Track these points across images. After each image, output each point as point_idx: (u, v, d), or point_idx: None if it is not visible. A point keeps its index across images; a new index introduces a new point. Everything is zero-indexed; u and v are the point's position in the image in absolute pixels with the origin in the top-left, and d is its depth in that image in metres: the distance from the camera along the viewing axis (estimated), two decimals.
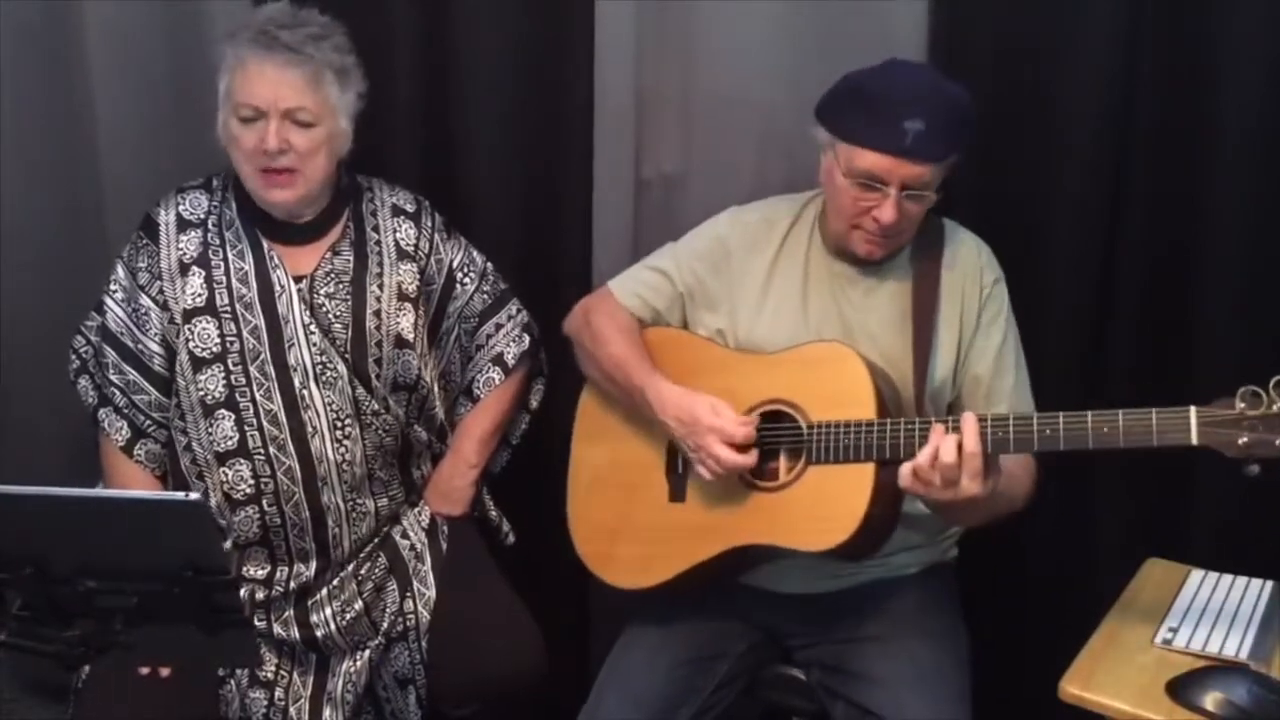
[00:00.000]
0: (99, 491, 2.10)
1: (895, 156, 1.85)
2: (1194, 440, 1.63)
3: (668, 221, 2.35)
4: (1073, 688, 1.71)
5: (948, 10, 2.21)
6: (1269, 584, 1.94)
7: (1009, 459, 1.84)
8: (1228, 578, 1.97)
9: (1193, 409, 1.64)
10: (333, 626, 2.15)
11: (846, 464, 1.84)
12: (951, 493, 1.74)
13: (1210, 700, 1.64)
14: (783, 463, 1.93)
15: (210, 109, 2.16)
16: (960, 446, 1.73)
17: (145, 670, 1.99)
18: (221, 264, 2.11)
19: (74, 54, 2.38)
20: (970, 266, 2.00)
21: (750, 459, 1.91)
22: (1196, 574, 2.00)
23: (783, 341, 1.98)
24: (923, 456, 1.74)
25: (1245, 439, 1.60)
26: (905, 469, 1.76)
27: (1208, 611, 1.87)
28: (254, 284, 2.10)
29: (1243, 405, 1.61)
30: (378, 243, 2.17)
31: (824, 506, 1.86)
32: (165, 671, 2.00)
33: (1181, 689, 1.67)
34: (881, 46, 2.01)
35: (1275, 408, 1.59)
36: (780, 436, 1.93)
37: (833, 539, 1.83)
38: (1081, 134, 2.20)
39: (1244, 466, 1.62)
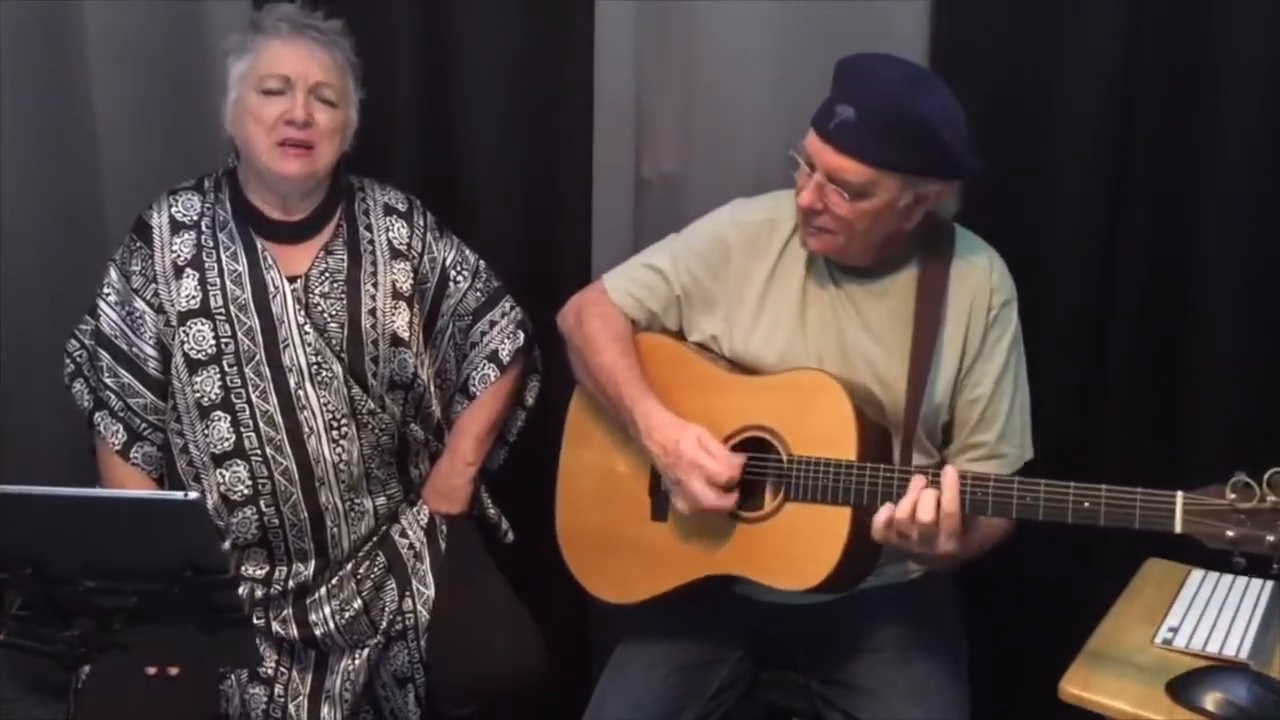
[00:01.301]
0: (99, 491, 2.09)
1: (820, 138, 1.79)
2: (1178, 529, 1.56)
3: (668, 221, 2.34)
4: (1073, 688, 1.71)
5: (948, 10, 2.21)
6: (1269, 584, 1.94)
7: None
8: (1228, 578, 1.97)
9: (1180, 495, 1.56)
10: (331, 625, 2.15)
11: (824, 505, 1.80)
12: (928, 549, 1.72)
13: (1210, 700, 1.64)
14: (767, 494, 1.89)
15: (211, 109, 2.17)
16: (939, 504, 1.69)
17: (153, 671, 1.99)
18: (215, 266, 2.10)
19: (74, 54, 2.38)
20: (980, 287, 1.90)
21: (730, 500, 1.86)
22: (1196, 574, 2.00)
23: (777, 355, 1.94)
24: (900, 510, 1.69)
25: (1232, 533, 1.52)
26: (879, 521, 1.72)
27: (1208, 611, 1.87)
28: (248, 285, 2.10)
29: (1234, 496, 1.52)
30: (370, 242, 2.17)
31: (800, 546, 1.83)
32: (174, 671, 2.00)
33: (1181, 689, 1.67)
34: (882, 47, 2.00)
35: (1269, 501, 1.51)
36: (763, 466, 1.89)
37: (806, 581, 1.81)
38: (1081, 134, 2.20)
39: (1230, 558, 1.54)
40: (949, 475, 1.70)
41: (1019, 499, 1.67)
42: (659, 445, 1.91)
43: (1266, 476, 1.51)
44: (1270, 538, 1.51)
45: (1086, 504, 1.62)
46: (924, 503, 1.69)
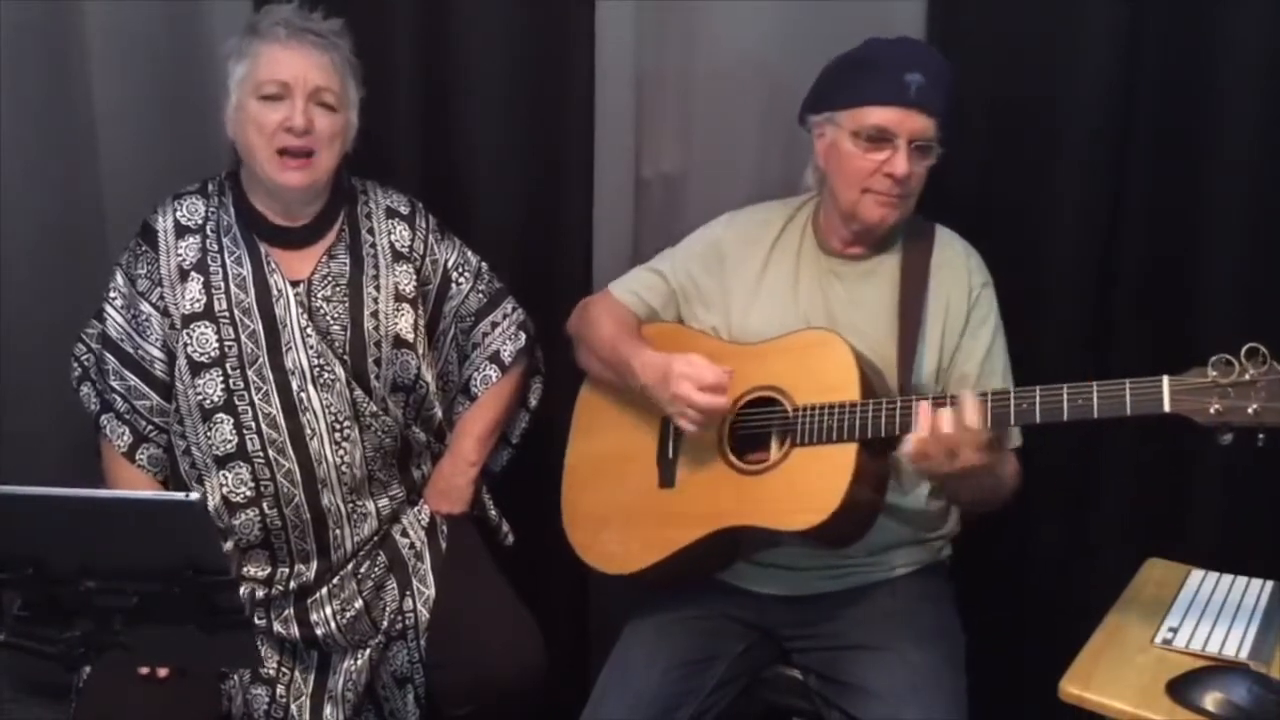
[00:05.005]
0: (99, 491, 2.07)
1: (902, 108, 1.93)
2: (1166, 407, 1.63)
3: (668, 221, 2.35)
4: (1073, 688, 1.71)
5: (947, 10, 2.21)
6: (1269, 584, 1.94)
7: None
8: (1228, 578, 1.97)
9: (1165, 378, 1.64)
10: (333, 625, 2.15)
11: (831, 445, 1.87)
12: (951, 464, 1.76)
13: (1210, 700, 1.63)
14: (773, 447, 1.95)
15: (211, 109, 2.16)
16: (956, 419, 1.75)
17: (144, 671, 1.99)
18: (220, 269, 2.11)
19: (74, 53, 2.38)
20: (959, 269, 2.03)
21: (723, 401, 1.92)
22: (1196, 574, 2.00)
23: (773, 333, 2.01)
24: (921, 428, 1.76)
25: (1217, 406, 1.60)
26: (909, 450, 1.78)
27: (1208, 611, 1.87)
28: (251, 289, 2.10)
29: (1215, 374, 1.61)
30: (373, 245, 2.17)
31: (806, 487, 1.88)
32: (163, 672, 2.00)
33: (1181, 689, 1.67)
34: None
35: (1248, 375, 1.59)
36: (770, 421, 1.95)
37: (813, 518, 1.85)
38: (1081, 135, 2.20)
39: (1218, 436, 1.62)
40: (966, 394, 1.77)
41: (1016, 406, 1.75)
42: (653, 375, 1.99)
43: (1243, 350, 1.60)
44: (1253, 407, 1.59)
45: (1080, 400, 1.69)
46: (944, 416, 1.76)
